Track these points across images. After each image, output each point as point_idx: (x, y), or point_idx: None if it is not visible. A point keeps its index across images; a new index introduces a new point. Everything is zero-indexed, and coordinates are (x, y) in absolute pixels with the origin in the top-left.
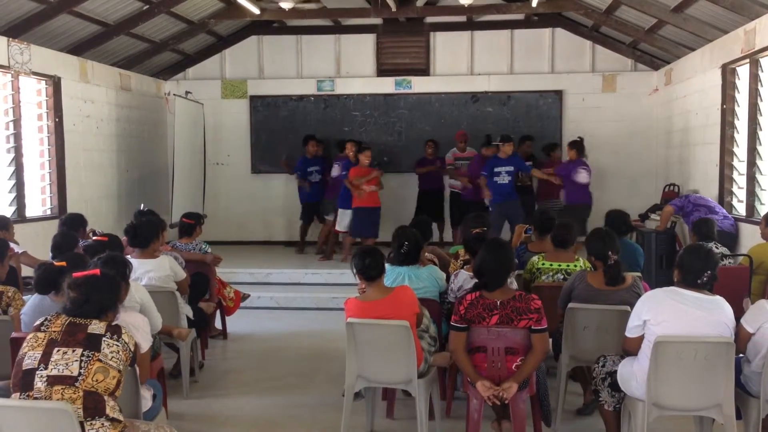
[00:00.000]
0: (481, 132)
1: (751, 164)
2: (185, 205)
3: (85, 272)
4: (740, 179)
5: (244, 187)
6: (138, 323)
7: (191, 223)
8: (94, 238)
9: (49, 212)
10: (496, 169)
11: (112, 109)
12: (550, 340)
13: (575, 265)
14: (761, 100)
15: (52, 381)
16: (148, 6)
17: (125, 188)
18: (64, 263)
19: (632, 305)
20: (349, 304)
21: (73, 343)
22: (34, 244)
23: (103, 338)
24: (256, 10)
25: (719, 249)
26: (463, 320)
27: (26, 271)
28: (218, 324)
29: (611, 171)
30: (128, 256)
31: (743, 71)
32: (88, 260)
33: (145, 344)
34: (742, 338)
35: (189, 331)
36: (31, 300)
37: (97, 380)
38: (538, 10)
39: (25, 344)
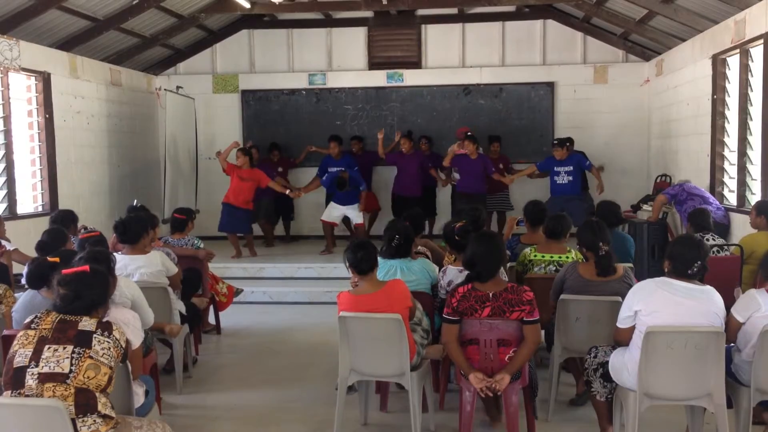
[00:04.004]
0: (474, 125)
1: (742, 154)
2: (177, 200)
3: (74, 269)
4: (731, 169)
5: None
6: (128, 319)
7: (183, 219)
8: (81, 235)
9: (40, 209)
10: (555, 168)
11: (103, 105)
12: (543, 331)
13: (567, 257)
14: (751, 90)
15: (44, 378)
16: (137, 0)
17: (117, 184)
18: (57, 259)
19: (624, 296)
20: (341, 298)
21: (64, 340)
22: (26, 241)
23: (94, 335)
24: (246, 4)
25: (716, 240)
26: (455, 312)
27: (17, 269)
28: (211, 319)
29: (603, 162)
30: (119, 252)
31: (733, 61)
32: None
33: (136, 340)
34: (732, 328)
35: (180, 327)
36: (23, 297)
37: (88, 377)
38: (529, 2)
39: (15, 342)
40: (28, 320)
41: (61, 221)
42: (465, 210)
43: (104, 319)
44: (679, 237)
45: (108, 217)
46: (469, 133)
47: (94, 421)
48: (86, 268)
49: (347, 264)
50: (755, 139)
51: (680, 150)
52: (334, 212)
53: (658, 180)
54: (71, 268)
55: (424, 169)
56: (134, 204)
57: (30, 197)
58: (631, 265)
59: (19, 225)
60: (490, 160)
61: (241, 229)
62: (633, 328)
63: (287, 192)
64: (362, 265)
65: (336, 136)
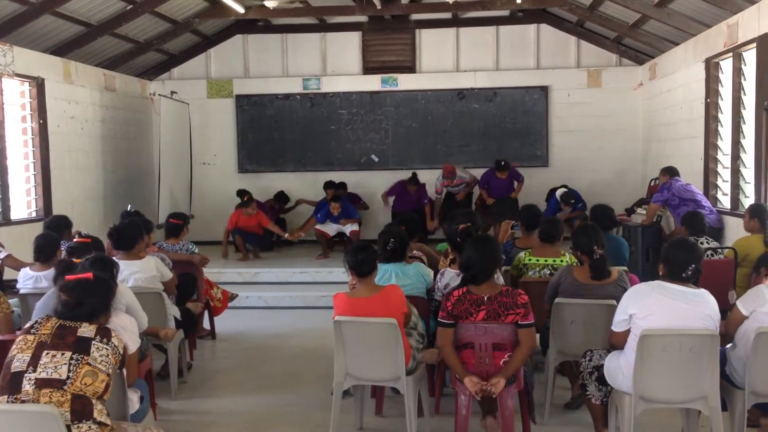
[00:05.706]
0: (469, 128)
1: (735, 157)
2: (172, 205)
3: (77, 275)
4: (725, 172)
5: (230, 187)
6: (125, 324)
7: (178, 224)
8: (76, 240)
9: (34, 214)
10: None
11: (97, 110)
12: (538, 335)
13: (562, 260)
14: (744, 94)
15: (41, 384)
16: (131, 6)
17: (111, 189)
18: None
19: (618, 299)
20: (337, 299)
21: (63, 346)
22: (19, 246)
23: (93, 342)
24: (240, 9)
25: (710, 243)
26: (450, 316)
27: (11, 274)
28: (206, 324)
29: (597, 166)
30: (113, 258)
31: (726, 65)
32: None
33: (133, 345)
34: (734, 320)
35: (175, 332)
36: (43, 297)
37: (85, 384)
38: (523, 6)
39: (14, 347)
40: (27, 325)
41: (55, 227)
42: (461, 214)
43: (104, 326)
44: (674, 240)
45: (102, 222)
46: (503, 163)
47: (90, 427)
48: (89, 275)
49: (347, 266)
50: (748, 142)
51: (674, 153)
52: (331, 225)
53: (652, 183)
54: (75, 275)
55: (421, 198)
56: (128, 209)
57: (24, 203)
58: (625, 268)
59: (13, 231)
60: (517, 171)
61: (249, 240)
62: (628, 331)
63: (285, 236)
64: (362, 267)
65: (336, 197)
